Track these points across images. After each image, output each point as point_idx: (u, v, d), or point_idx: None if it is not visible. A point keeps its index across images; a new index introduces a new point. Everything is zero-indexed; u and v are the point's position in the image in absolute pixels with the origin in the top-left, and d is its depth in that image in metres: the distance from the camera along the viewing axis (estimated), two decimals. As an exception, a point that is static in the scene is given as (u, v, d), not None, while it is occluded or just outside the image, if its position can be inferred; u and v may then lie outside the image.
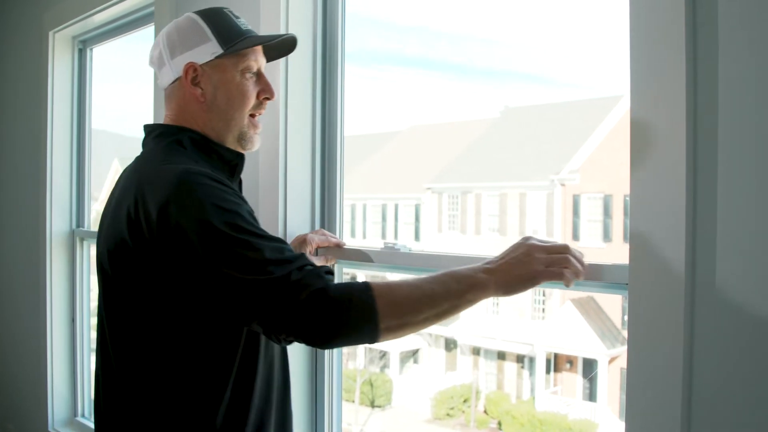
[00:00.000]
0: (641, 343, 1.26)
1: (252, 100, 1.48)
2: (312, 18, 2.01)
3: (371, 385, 14.82)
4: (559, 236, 13.67)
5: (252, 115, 1.49)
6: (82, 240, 3.23)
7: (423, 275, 1.29)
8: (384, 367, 15.71)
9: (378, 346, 14.34)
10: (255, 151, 1.54)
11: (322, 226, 2.04)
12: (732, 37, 1.17)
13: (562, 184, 14.12)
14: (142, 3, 2.70)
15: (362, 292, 1.20)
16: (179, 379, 1.31)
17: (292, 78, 1.97)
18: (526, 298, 14.23)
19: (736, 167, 1.16)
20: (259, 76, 1.49)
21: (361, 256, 1.85)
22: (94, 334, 3.36)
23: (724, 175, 1.17)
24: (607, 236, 13.42)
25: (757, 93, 1.14)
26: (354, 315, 1.19)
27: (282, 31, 1.93)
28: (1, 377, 3.66)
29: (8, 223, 3.61)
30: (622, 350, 12.31)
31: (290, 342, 1.26)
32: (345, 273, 2.07)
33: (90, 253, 3.28)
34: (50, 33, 3.15)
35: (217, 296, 1.23)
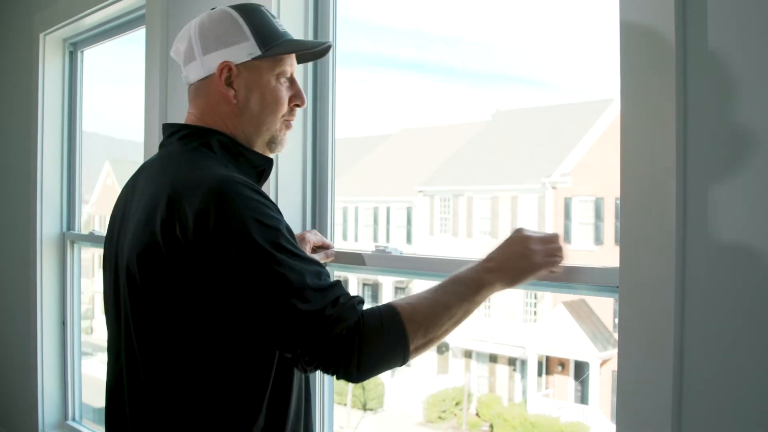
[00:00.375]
0: (632, 345, 1.26)
1: (285, 107, 1.42)
2: (303, 20, 2.01)
3: (363, 388, 14.80)
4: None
5: (286, 120, 1.45)
6: (72, 243, 3.21)
7: (432, 285, 1.30)
8: (376, 370, 15.66)
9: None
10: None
11: (314, 228, 2.04)
12: (722, 40, 1.17)
13: (554, 187, 14.15)
14: (133, 6, 2.70)
15: (392, 319, 1.20)
16: (216, 390, 1.26)
17: (284, 81, 1.96)
18: (518, 300, 14.25)
19: (726, 170, 1.17)
20: (291, 81, 1.45)
21: (354, 259, 1.85)
22: (84, 337, 3.35)
23: (714, 178, 1.18)
24: (598, 239, 13.46)
25: (748, 95, 1.14)
26: (388, 347, 1.20)
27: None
28: (-9, 381, 3.65)
29: (-2, 226, 3.60)
30: (614, 353, 12.34)
31: (314, 371, 1.23)
32: (337, 275, 2.07)
33: (80, 255, 3.27)
34: (41, 35, 3.15)
35: (251, 316, 1.19)
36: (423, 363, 15.57)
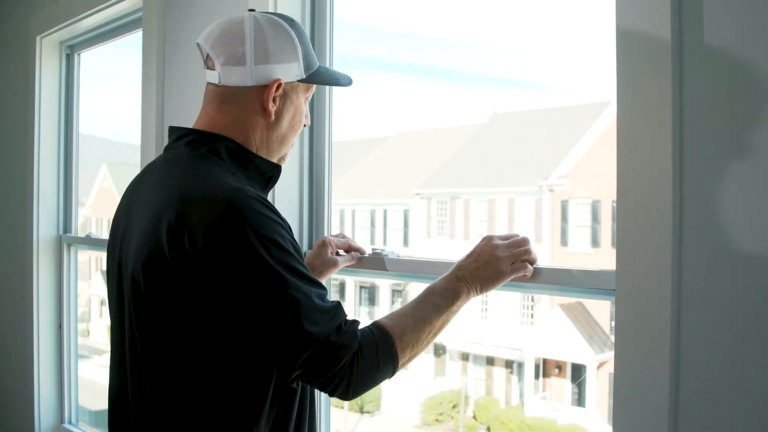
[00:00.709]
0: (628, 348, 1.27)
1: (302, 126, 1.47)
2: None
3: (360, 390, 14.74)
4: (548, 241, 13.68)
5: None
6: (69, 246, 3.21)
7: (412, 300, 1.37)
8: (373, 372, 15.63)
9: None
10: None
11: (311, 231, 2.04)
12: (718, 42, 1.18)
13: (551, 190, 14.13)
14: (130, 8, 2.70)
15: (385, 343, 1.28)
16: (218, 398, 1.26)
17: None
18: (515, 303, 14.23)
19: (723, 172, 1.17)
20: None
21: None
22: (81, 340, 3.35)
23: (710, 181, 1.18)
24: (595, 242, 13.45)
25: (745, 97, 1.15)
26: (381, 369, 1.28)
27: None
28: (-13, 384, 3.64)
29: (-5, 229, 3.59)
30: (611, 355, 12.33)
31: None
32: (334, 278, 2.07)
33: (77, 258, 3.26)
34: (38, 38, 3.15)
35: (257, 334, 1.21)
36: (420, 366, 15.57)
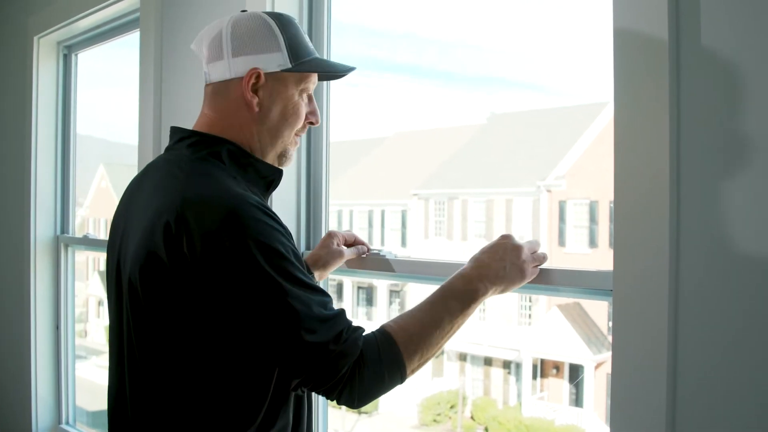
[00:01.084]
0: (626, 348, 1.27)
1: (301, 122, 1.43)
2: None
3: (358, 391, 14.75)
4: (545, 242, 13.69)
5: (297, 134, 1.45)
6: (66, 246, 3.21)
7: (425, 300, 1.33)
8: (371, 373, 15.63)
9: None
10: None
11: (308, 232, 2.04)
12: (715, 43, 1.18)
13: (549, 191, 14.14)
14: (127, 9, 2.70)
15: (390, 350, 1.24)
16: (215, 400, 1.26)
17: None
18: (513, 303, 14.25)
19: (720, 172, 1.17)
20: (310, 98, 1.45)
21: (352, 263, 1.84)
22: (78, 341, 3.34)
23: (708, 181, 1.18)
24: (593, 242, 13.46)
25: (743, 98, 1.15)
26: (387, 377, 1.24)
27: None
28: (-15, 384, 3.64)
29: (-8, 229, 3.59)
30: (608, 356, 12.34)
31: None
32: (331, 278, 2.07)
33: (74, 259, 3.26)
34: (35, 38, 3.14)
35: (257, 342, 1.21)
36: (424, 366, 15.54)
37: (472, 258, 1.41)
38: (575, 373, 13.51)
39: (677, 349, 1.21)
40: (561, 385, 13.78)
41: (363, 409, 14.73)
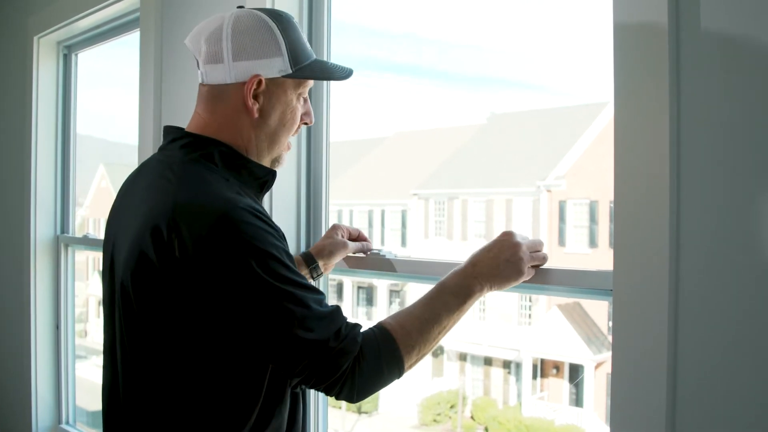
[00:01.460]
0: (626, 348, 1.27)
1: (297, 125, 1.42)
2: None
3: (358, 391, 14.74)
4: (545, 242, 13.67)
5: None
6: (66, 246, 3.21)
7: (421, 297, 1.34)
8: (371, 373, 15.62)
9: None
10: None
11: (308, 232, 2.04)
12: (716, 42, 1.18)
13: (548, 190, 14.14)
14: (127, 9, 2.70)
15: (389, 346, 1.26)
16: (209, 400, 1.26)
17: (278, 84, 1.96)
18: (513, 303, 14.25)
19: (720, 172, 1.17)
20: (304, 99, 1.44)
21: (353, 263, 1.83)
22: (78, 341, 3.34)
23: (708, 181, 1.18)
24: (593, 242, 13.46)
25: (743, 97, 1.15)
26: (386, 372, 1.26)
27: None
28: (-15, 384, 3.64)
29: (-8, 229, 3.59)
30: (608, 356, 12.33)
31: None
32: (331, 278, 2.07)
33: (74, 259, 3.26)
34: (35, 38, 3.14)
35: (254, 345, 1.21)
36: (418, 366, 15.54)
37: (471, 255, 1.41)
38: (575, 373, 13.51)
39: (677, 349, 1.21)
40: (561, 385, 13.78)
41: (363, 408, 14.75)
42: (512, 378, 14.47)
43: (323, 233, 2.02)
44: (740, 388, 1.15)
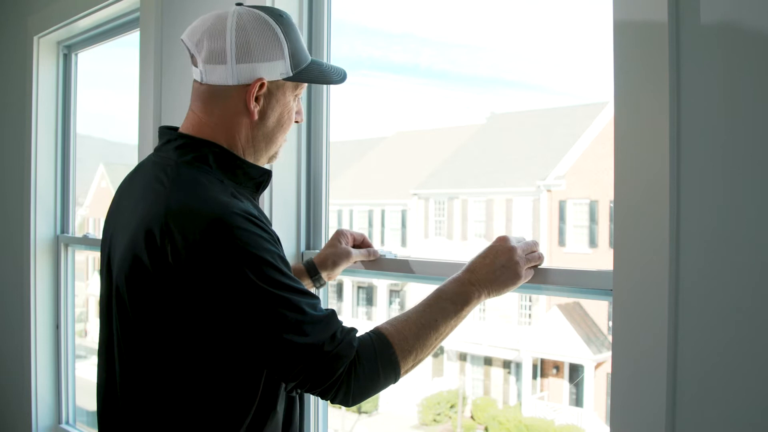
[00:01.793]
0: (626, 348, 1.27)
1: (292, 124, 1.42)
2: (297, 24, 2.01)
3: (358, 391, 14.75)
4: (545, 242, 13.70)
5: None
6: (66, 246, 3.21)
7: (418, 303, 1.33)
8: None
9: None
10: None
11: (308, 232, 2.03)
12: (716, 43, 1.18)
13: (548, 190, 14.16)
14: (127, 9, 2.69)
15: (385, 351, 1.25)
16: (203, 402, 1.26)
17: (278, 84, 1.96)
18: (513, 303, 14.26)
19: (720, 172, 1.17)
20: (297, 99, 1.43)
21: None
22: (78, 341, 3.34)
23: (708, 181, 1.18)
24: (593, 242, 13.47)
25: (743, 97, 1.15)
26: (382, 377, 1.25)
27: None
28: (-16, 384, 3.64)
29: (-8, 229, 3.59)
30: (608, 355, 12.33)
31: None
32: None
33: (74, 258, 3.26)
34: (35, 38, 3.14)
35: (249, 351, 1.20)
36: (415, 371, 15.54)
37: (467, 263, 1.41)
38: (575, 372, 13.53)
39: (677, 349, 1.21)
40: (561, 385, 13.80)
41: (363, 409, 14.75)
42: (512, 378, 14.48)
43: (323, 233, 2.02)
44: (740, 388, 1.15)
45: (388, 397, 15.00)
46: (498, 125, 16.78)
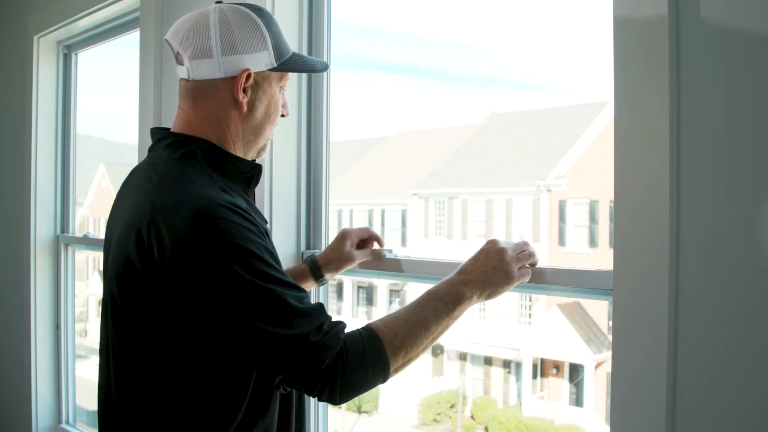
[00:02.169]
0: (626, 348, 1.27)
1: (278, 116, 1.44)
2: (298, 24, 2.01)
3: (358, 390, 14.75)
4: (545, 241, 13.70)
5: None
6: (66, 246, 3.21)
7: (410, 303, 1.33)
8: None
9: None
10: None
11: (308, 231, 2.03)
12: (715, 43, 1.18)
13: (548, 190, 14.15)
14: (127, 8, 2.69)
15: (374, 346, 1.23)
16: (194, 399, 1.27)
17: (278, 84, 1.96)
18: (513, 303, 14.26)
19: (720, 172, 1.17)
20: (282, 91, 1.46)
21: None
22: (78, 340, 3.34)
23: (708, 181, 1.18)
24: (593, 242, 13.46)
25: (743, 97, 1.15)
26: (370, 373, 1.23)
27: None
28: (-15, 384, 3.64)
29: (-8, 229, 3.59)
30: (609, 355, 12.32)
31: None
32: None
33: (74, 258, 3.26)
34: (35, 38, 3.14)
35: (234, 343, 1.20)
36: (418, 366, 15.58)
37: (459, 267, 1.41)
38: (575, 372, 13.52)
39: (677, 349, 1.21)
40: (561, 385, 13.79)
41: (363, 408, 14.76)
42: (512, 377, 14.48)
43: (323, 233, 2.02)
44: (740, 388, 1.15)
45: (388, 396, 15.00)
46: (498, 125, 16.77)
